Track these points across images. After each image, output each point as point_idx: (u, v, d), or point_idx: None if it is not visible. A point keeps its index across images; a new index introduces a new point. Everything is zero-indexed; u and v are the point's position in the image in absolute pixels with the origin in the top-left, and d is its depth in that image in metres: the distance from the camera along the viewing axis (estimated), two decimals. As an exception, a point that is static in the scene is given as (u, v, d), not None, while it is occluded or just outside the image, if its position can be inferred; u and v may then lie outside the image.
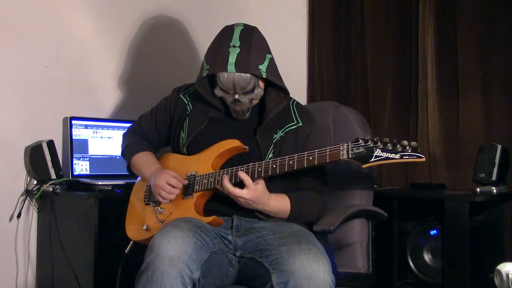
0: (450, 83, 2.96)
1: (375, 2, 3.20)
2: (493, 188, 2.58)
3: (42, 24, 2.63)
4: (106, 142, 2.67)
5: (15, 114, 2.54)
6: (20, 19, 2.55)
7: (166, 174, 1.91)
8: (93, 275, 2.27)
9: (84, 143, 2.62)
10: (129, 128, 2.22)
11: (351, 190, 2.13)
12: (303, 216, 1.90)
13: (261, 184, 1.78)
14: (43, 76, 2.62)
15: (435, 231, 2.75)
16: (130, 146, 2.14)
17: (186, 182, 1.91)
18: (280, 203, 1.85)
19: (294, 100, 2.06)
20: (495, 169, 2.57)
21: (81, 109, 2.72)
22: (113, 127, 2.72)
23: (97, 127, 2.67)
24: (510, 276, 1.78)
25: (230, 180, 1.80)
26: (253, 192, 1.76)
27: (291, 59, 3.48)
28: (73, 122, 2.59)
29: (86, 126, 2.63)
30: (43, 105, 2.62)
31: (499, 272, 1.80)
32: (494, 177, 2.57)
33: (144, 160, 2.08)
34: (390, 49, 3.16)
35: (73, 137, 2.58)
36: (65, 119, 2.64)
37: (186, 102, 2.05)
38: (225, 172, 1.84)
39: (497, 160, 2.58)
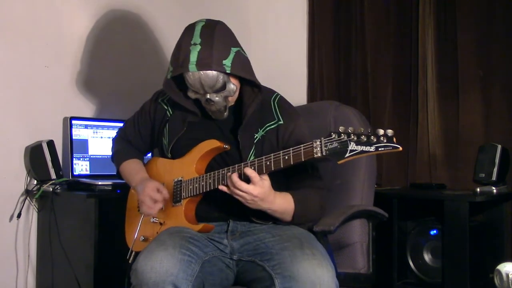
0: (450, 83, 2.96)
1: (375, 2, 3.20)
2: (493, 188, 2.58)
3: (42, 24, 2.63)
4: (106, 142, 2.67)
5: (15, 114, 2.54)
6: (20, 19, 2.55)
7: (149, 188, 1.89)
8: (93, 275, 2.27)
9: (84, 143, 2.62)
10: (117, 132, 2.20)
11: (352, 190, 2.13)
12: (307, 216, 1.84)
13: (267, 180, 1.71)
14: (43, 76, 2.62)
15: (435, 231, 2.74)
16: (117, 153, 2.13)
17: (167, 195, 1.89)
18: (284, 202, 1.78)
19: (278, 95, 1.98)
20: (495, 169, 2.58)
21: (81, 109, 2.73)
22: (113, 127, 2.72)
23: (97, 127, 2.67)
24: (510, 276, 1.78)
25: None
26: (260, 188, 1.68)
27: (291, 59, 3.49)
28: (73, 122, 2.59)
29: (86, 126, 2.63)
30: (43, 105, 2.62)
31: (499, 272, 1.80)
32: (494, 177, 2.57)
33: (130, 170, 2.06)
34: (390, 49, 3.16)
35: (73, 137, 2.58)
36: (65, 119, 2.64)
37: (166, 108, 2.01)
38: (211, 176, 1.80)
39: (497, 160, 2.58)
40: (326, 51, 3.38)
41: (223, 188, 1.74)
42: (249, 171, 1.68)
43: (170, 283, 1.59)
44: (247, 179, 1.69)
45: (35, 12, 2.61)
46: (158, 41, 3.10)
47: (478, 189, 2.57)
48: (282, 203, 1.78)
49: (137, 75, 3.00)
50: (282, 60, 3.48)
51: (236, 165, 1.75)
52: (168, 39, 3.12)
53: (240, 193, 1.69)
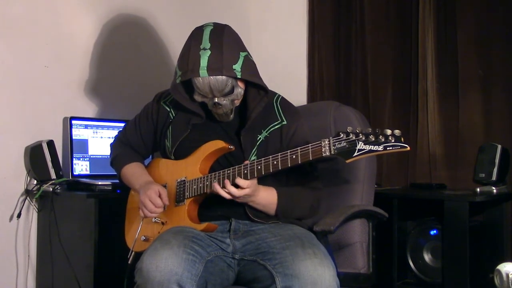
0: (450, 83, 2.96)
1: (375, 2, 3.20)
2: (493, 188, 2.58)
3: (42, 24, 2.63)
4: (106, 142, 2.66)
5: (15, 114, 2.53)
6: (20, 19, 2.55)
7: (151, 191, 1.89)
8: (93, 275, 2.27)
9: (84, 143, 2.62)
10: (115, 137, 2.20)
11: (352, 190, 2.13)
12: (293, 212, 1.87)
13: (254, 180, 1.76)
14: (43, 76, 2.62)
15: (435, 231, 2.74)
16: (118, 158, 2.12)
17: (167, 201, 1.89)
18: (267, 196, 1.83)
19: (279, 96, 2.00)
20: (495, 169, 2.58)
21: (81, 109, 2.73)
22: (113, 127, 2.72)
23: (97, 127, 2.67)
24: (510, 276, 1.78)
25: (233, 180, 1.78)
26: (252, 189, 1.75)
27: (291, 59, 3.49)
28: (73, 122, 2.59)
29: (86, 126, 2.63)
30: (43, 105, 2.62)
31: (499, 272, 1.80)
32: (494, 177, 2.57)
33: (132, 173, 2.06)
34: (390, 49, 3.16)
35: (73, 137, 2.58)
36: (65, 119, 2.64)
37: (168, 109, 2.01)
38: (215, 175, 1.81)
39: (497, 160, 2.58)
40: (326, 51, 3.38)
41: (224, 194, 1.78)
42: (241, 182, 1.74)
43: (175, 282, 1.59)
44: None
45: (35, 12, 2.61)
46: (158, 41, 3.10)
47: (478, 189, 2.57)
48: (265, 197, 1.83)
49: (138, 75, 3.00)
50: (282, 60, 3.48)
51: (242, 165, 1.77)
52: (168, 39, 3.13)
53: (238, 199, 1.76)
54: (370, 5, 3.22)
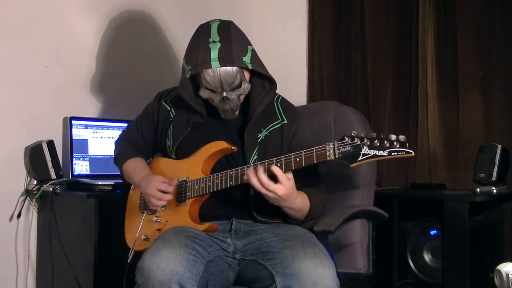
0: (450, 83, 2.96)
1: (375, 2, 3.20)
2: (493, 188, 2.58)
3: (42, 24, 2.63)
4: (106, 142, 2.67)
5: (15, 114, 2.54)
6: (20, 19, 2.55)
7: (155, 181, 1.88)
8: (93, 275, 2.27)
9: (84, 143, 2.62)
10: (119, 135, 2.20)
11: (352, 190, 2.13)
12: (313, 216, 1.87)
13: (292, 180, 1.70)
14: (43, 76, 2.62)
15: (435, 231, 2.75)
16: (120, 155, 2.12)
17: (175, 183, 1.88)
18: (302, 201, 1.80)
19: (279, 96, 2.00)
20: (495, 169, 2.58)
21: (81, 109, 2.73)
22: (113, 127, 2.72)
23: (97, 127, 2.68)
24: (510, 276, 1.78)
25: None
26: (286, 189, 1.67)
27: (291, 59, 3.49)
28: (73, 122, 2.59)
29: (86, 126, 2.63)
30: (43, 105, 2.62)
31: (499, 272, 1.80)
32: (494, 177, 2.57)
33: (134, 167, 2.05)
34: (390, 49, 3.16)
35: (73, 137, 2.58)
36: (65, 119, 2.64)
37: (169, 108, 2.00)
38: (218, 176, 1.80)
39: (497, 160, 2.58)
40: (326, 51, 3.38)
41: (249, 180, 1.70)
42: (276, 170, 1.67)
43: (176, 282, 1.59)
44: (271, 176, 1.69)
45: (35, 12, 2.61)
46: (157, 41, 3.10)
47: (478, 189, 2.57)
48: (301, 203, 1.79)
49: (138, 75, 3.00)
50: (282, 60, 3.47)
51: (245, 166, 1.75)
52: (168, 39, 3.13)
53: (266, 191, 1.68)
54: (370, 5, 3.22)
